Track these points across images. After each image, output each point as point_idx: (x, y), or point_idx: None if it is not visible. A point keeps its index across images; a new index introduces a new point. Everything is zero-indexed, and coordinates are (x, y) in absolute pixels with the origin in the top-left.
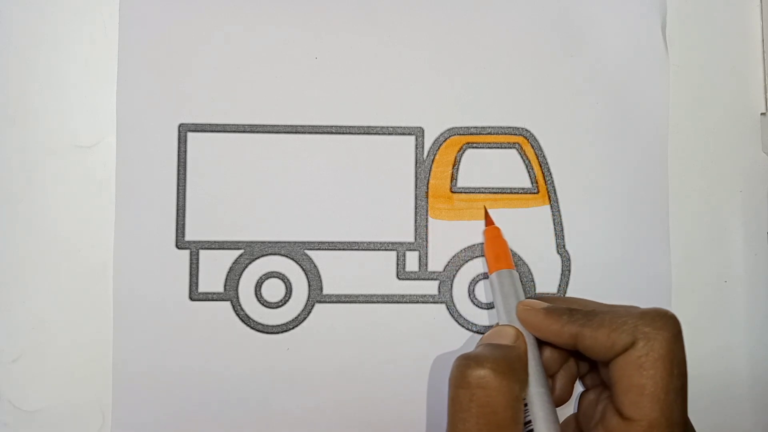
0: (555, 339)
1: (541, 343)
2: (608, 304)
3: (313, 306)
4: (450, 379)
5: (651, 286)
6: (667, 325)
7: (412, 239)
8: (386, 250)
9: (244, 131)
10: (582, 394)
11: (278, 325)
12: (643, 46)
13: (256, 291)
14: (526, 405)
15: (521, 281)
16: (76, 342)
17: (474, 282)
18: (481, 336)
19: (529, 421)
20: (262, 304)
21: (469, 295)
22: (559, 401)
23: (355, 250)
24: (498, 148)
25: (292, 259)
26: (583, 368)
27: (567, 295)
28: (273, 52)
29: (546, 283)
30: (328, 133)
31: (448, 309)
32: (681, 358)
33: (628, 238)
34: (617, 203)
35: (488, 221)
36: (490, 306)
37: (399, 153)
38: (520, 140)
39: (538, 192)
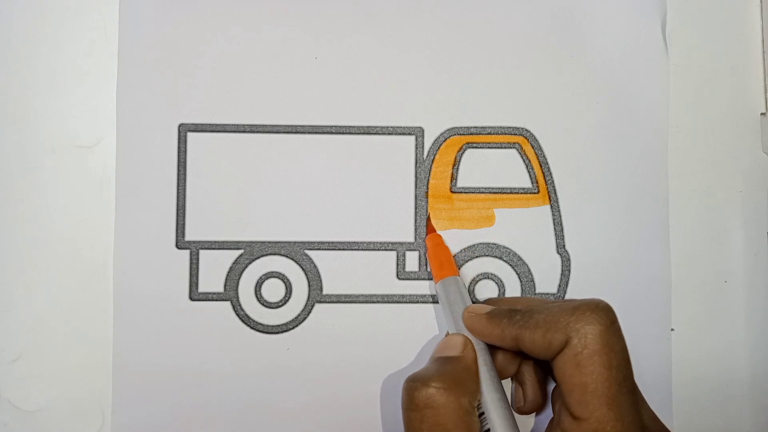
0: (499, 343)
1: (492, 348)
2: (550, 300)
3: (313, 306)
4: (401, 402)
5: (651, 286)
6: (599, 317)
7: (412, 239)
8: (386, 250)
9: (244, 131)
10: (554, 390)
11: (278, 325)
12: (643, 46)
13: (256, 291)
14: (482, 414)
15: (521, 281)
16: (76, 342)
17: (474, 282)
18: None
19: (488, 430)
20: (262, 304)
21: (470, 295)
22: (533, 406)
23: (355, 250)
24: (498, 148)
25: (292, 259)
26: (543, 373)
27: (566, 296)
28: (273, 52)
29: (546, 283)
30: (328, 133)
31: None
32: (619, 349)
33: (628, 238)
34: (617, 203)
35: (429, 229)
36: None
37: (399, 153)
38: (520, 140)
39: (538, 192)
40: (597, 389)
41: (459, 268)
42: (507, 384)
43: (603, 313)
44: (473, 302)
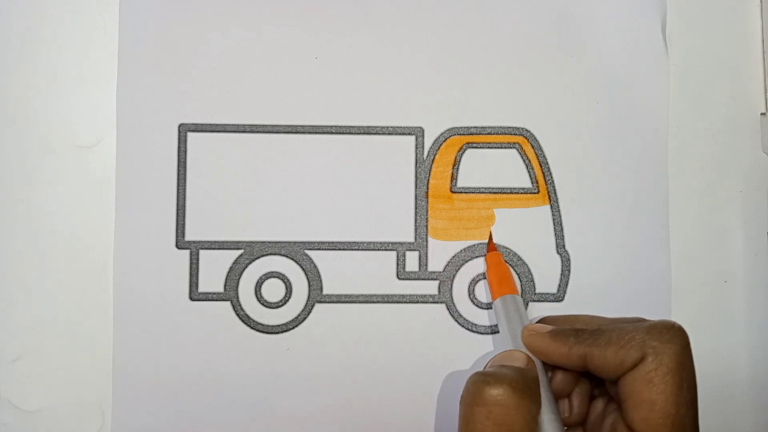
0: (563, 362)
1: (548, 367)
2: (612, 318)
3: (313, 306)
4: (464, 396)
5: (651, 286)
6: (675, 337)
7: (412, 239)
8: (386, 250)
9: (244, 131)
10: (590, 406)
11: (278, 325)
12: (643, 46)
13: (256, 291)
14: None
15: (521, 281)
16: (76, 342)
17: (474, 282)
18: (490, 355)
19: None
20: (262, 304)
21: (469, 295)
22: (578, 419)
23: (355, 250)
24: (498, 148)
25: (292, 259)
26: (590, 386)
27: (567, 296)
28: (273, 52)
29: (546, 283)
30: (328, 133)
31: (448, 309)
32: (690, 371)
33: (628, 238)
34: (617, 203)
35: (491, 247)
36: (489, 306)
37: (399, 153)
38: (520, 140)
39: (538, 192)
40: (665, 408)
41: (459, 269)
42: None
43: (679, 333)
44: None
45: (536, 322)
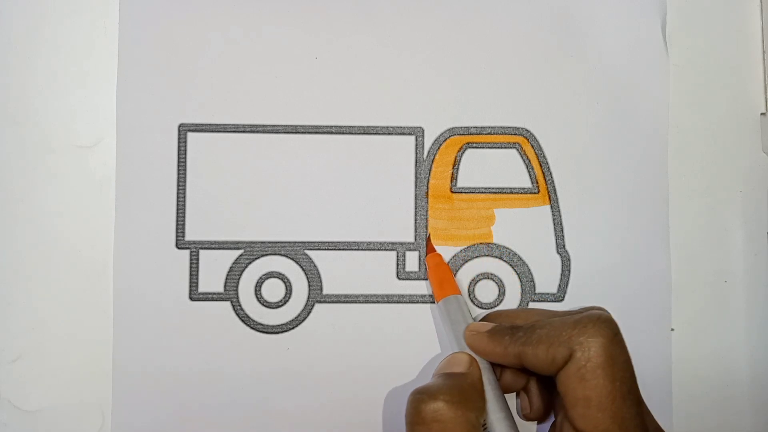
0: (503, 361)
1: (496, 366)
2: (550, 311)
3: (313, 306)
4: (405, 415)
5: (651, 286)
6: (601, 330)
7: (412, 239)
8: (386, 250)
9: (244, 131)
10: (553, 400)
11: (278, 325)
12: (643, 46)
13: (256, 291)
14: None
15: (521, 281)
16: (76, 342)
17: (474, 282)
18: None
19: None
20: (262, 304)
21: (469, 295)
22: (540, 414)
23: (355, 250)
24: (498, 148)
25: (292, 259)
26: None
27: (567, 296)
28: (273, 52)
29: (546, 283)
30: (328, 133)
31: None
32: (622, 361)
33: (628, 238)
34: (617, 203)
35: (429, 248)
36: (490, 306)
37: (399, 153)
38: (520, 140)
39: (538, 192)
40: (601, 403)
41: (459, 269)
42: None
43: (605, 325)
44: (473, 317)
45: (480, 320)
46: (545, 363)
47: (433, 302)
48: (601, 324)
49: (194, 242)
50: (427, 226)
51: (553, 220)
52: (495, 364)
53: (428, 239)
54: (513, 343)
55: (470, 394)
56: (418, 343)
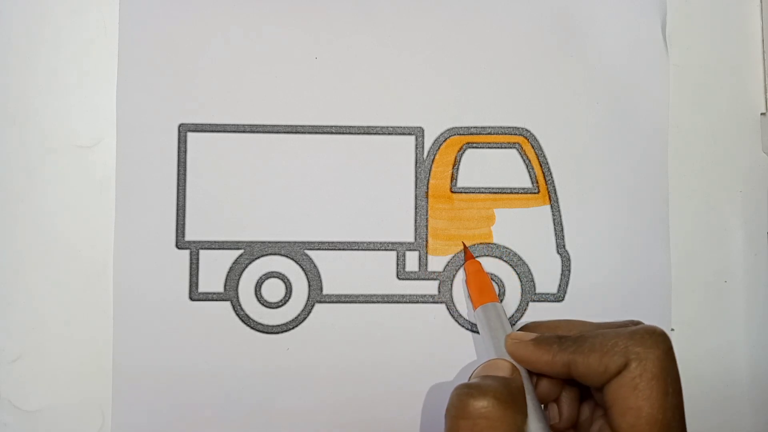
0: (548, 369)
1: (533, 375)
2: (594, 323)
3: (313, 306)
4: (449, 409)
5: (651, 286)
6: (658, 342)
7: (412, 239)
8: (386, 250)
9: (244, 131)
10: (579, 409)
11: (278, 325)
12: (643, 46)
13: (256, 291)
14: None
15: (521, 281)
16: (76, 342)
17: None
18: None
19: None
20: (262, 304)
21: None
22: (568, 423)
23: (355, 250)
24: (498, 148)
25: (292, 259)
26: (579, 391)
27: (567, 296)
28: (273, 53)
29: (546, 283)
30: (328, 133)
31: (448, 309)
32: (675, 375)
33: (628, 238)
34: (617, 203)
35: (467, 255)
36: None
37: (399, 153)
38: (521, 140)
39: (538, 192)
40: (651, 414)
41: (459, 269)
42: None
43: (661, 338)
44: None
45: (519, 330)
46: (597, 372)
47: (435, 302)
48: (658, 337)
49: (194, 242)
50: (427, 226)
51: (553, 220)
52: (532, 375)
53: (465, 247)
54: (562, 352)
55: (517, 396)
56: (417, 343)
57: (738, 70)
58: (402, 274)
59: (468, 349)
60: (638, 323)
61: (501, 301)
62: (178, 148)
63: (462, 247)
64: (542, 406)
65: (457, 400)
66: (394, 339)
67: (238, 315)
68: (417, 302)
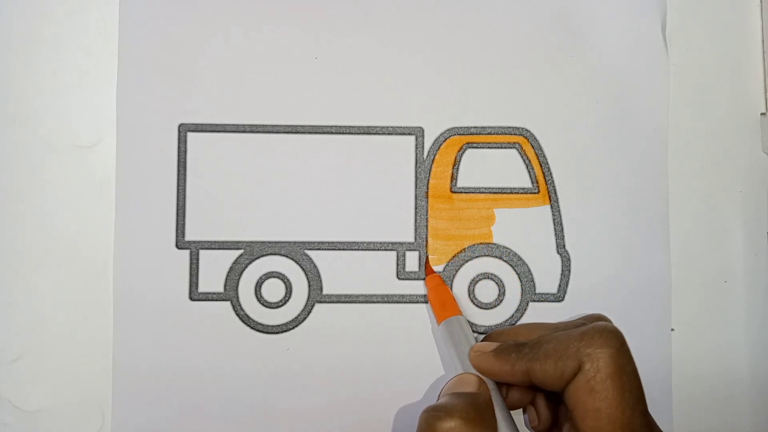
0: (510, 379)
1: (501, 385)
2: (552, 325)
3: (313, 306)
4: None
5: (651, 286)
6: (609, 341)
7: (412, 239)
8: (386, 250)
9: (244, 131)
10: (558, 409)
11: (278, 325)
12: (643, 46)
13: (256, 291)
14: None
15: (521, 281)
16: (76, 342)
17: (474, 282)
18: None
19: None
20: (262, 304)
21: (469, 295)
22: (548, 425)
23: (355, 250)
24: (498, 148)
25: (292, 259)
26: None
27: (567, 296)
28: (273, 53)
29: (546, 283)
30: (328, 133)
31: None
32: (630, 371)
33: (628, 238)
34: (617, 203)
35: (428, 270)
36: (490, 306)
37: (399, 153)
38: (521, 140)
39: (538, 192)
40: (611, 414)
41: (459, 269)
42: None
43: (612, 335)
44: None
45: (482, 340)
46: (554, 378)
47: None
48: (608, 335)
49: (194, 242)
50: (427, 226)
51: (553, 220)
52: (501, 383)
53: (427, 261)
54: (520, 360)
55: (484, 412)
56: (417, 343)
57: (738, 70)
58: (402, 274)
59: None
60: (598, 319)
61: (501, 302)
62: (178, 148)
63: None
64: (511, 414)
65: (425, 423)
66: (394, 339)
67: (238, 315)
68: (417, 302)
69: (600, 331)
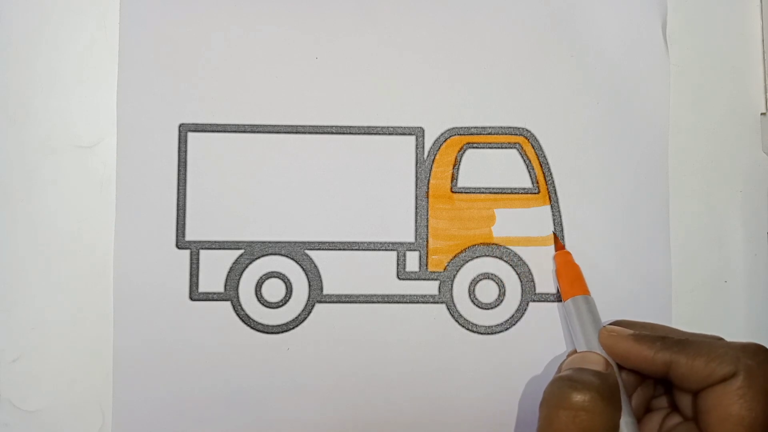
0: (644, 366)
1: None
2: (689, 332)
3: (313, 306)
4: (547, 398)
5: (651, 285)
6: (767, 361)
7: (412, 239)
8: (386, 250)
9: (244, 131)
10: (645, 417)
11: (278, 325)
12: (643, 46)
13: (256, 291)
14: None
15: (521, 281)
16: (76, 342)
17: (474, 282)
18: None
19: None
20: (263, 304)
21: (470, 295)
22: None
23: (356, 250)
24: (498, 148)
25: (293, 259)
26: (655, 390)
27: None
28: (273, 52)
29: (546, 283)
30: (328, 133)
31: (448, 309)
32: None
33: (628, 238)
34: (617, 203)
35: (558, 246)
36: (490, 306)
37: (399, 153)
38: (521, 140)
39: (538, 192)
40: (753, 425)
41: (459, 269)
42: None
43: None
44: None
45: (609, 325)
46: (700, 375)
47: (435, 302)
48: (767, 356)
49: (194, 242)
50: (427, 226)
51: (553, 220)
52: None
53: (555, 236)
54: (665, 350)
55: (615, 393)
56: (418, 343)
57: (738, 70)
58: (402, 274)
59: (468, 350)
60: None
61: (501, 302)
62: (179, 148)
63: None
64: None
65: (558, 390)
66: (394, 339)
67: (238, 315)
68: (417, 302)
69: (763, 350)
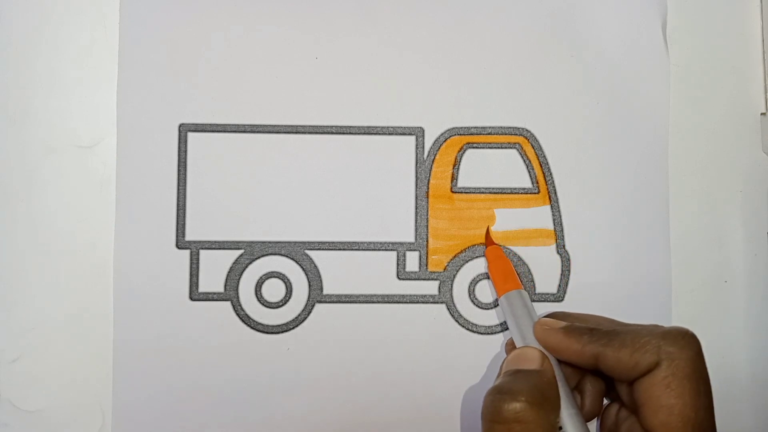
0: (575, 359)
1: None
2: (623, 322)
3: (313, 306)
4: (483, 413)
5: (651, 286)
6: (690, 344)
7: (412, 239)
8: (386, 250)
9: (244, 131)
10: (604, 410)
11: (278, 325)
12: (643, 46)
13: (256, 291)
14: (560, 428)
15: (522, 281)
16: (76, 342)
17: (474, 282)
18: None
19: None
20: (263, 304)
21: (470, 295)
22: (589, 416)
23: (356, 250)
24: (498, 148)
25: (293, 259)
26: (604, 384)
27: (566, 295)
28: (273, 52)
29: (546, 283)
30: (328, 133)
31: (448, 309)
32: (706, 376)
33: (628, 238)
34: (617, 203)
35: (488, 241)
36: (490, 306)
37: (399, 153)
38: (521, 140)
39: (538, 192)
40: (684, 412)
41: (459, 269)
42: None
43: (693, 340)
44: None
45: (545, 317)
46: (626, 366)
47: (435, 302)
48: (690, 338)
49: (194, 242)
50: (427, 226)
51: (553, 220)
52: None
53: (487, 231)
54: (592, 343)
55: (548, 393)
56: (418, 343)
57: (738, 70)
58: (402, 274)
59: (468, 350)
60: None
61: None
62: (179, 148)
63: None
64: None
65: (491, 405)
66: (394, 339)
67: (238, 315)
68: (417, 302)
69: (683, 334)
